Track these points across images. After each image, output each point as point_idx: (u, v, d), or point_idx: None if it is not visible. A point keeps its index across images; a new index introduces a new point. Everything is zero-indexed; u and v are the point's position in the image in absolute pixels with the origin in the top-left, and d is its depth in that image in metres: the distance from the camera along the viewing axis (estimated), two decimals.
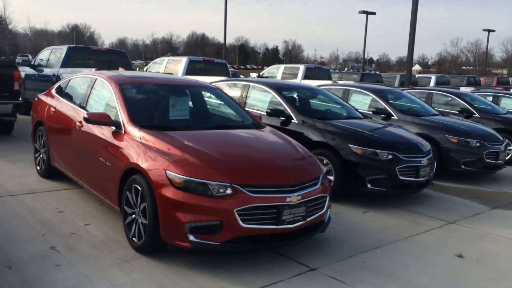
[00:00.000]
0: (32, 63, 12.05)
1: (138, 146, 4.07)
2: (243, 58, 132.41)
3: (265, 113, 6.75)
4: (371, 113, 8.59)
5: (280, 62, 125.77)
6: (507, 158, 9.68)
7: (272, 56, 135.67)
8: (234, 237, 3.63)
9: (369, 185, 5.87)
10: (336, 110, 7.52)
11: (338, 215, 5.63)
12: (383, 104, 8.67)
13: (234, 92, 7.56)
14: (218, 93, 5.63)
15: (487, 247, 4.89)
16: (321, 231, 4.34)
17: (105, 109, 4.83)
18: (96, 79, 5.24)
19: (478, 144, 7.81)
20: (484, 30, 50.74)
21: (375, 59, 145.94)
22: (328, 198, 4.29)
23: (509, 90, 16.00)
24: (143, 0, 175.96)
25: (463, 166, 7.73)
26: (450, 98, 10.87)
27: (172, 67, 13.21)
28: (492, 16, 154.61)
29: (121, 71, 5.53)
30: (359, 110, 8.38)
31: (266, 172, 3.91)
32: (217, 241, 3.61)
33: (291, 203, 3.80)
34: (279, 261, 4.11)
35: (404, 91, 10.96)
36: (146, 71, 14.36)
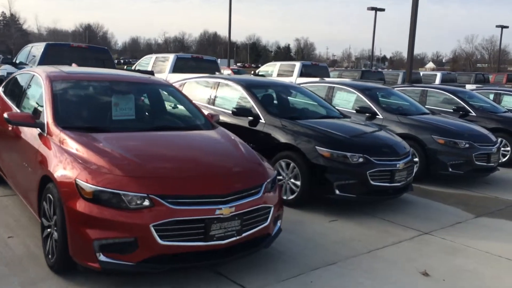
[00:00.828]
0: (14, 61, 11.75)
1: (57, 150, 3.64)
2: (255, 57, 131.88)
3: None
4: (355, 112, 8.08)
5: (292, 60, 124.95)
6: (504, 159, 9.11)
7: (284, 55, 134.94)
8: (151, 256, 3.19)
9: (337, 191, 5.37)
10: (312, 109, 7.02)
11: (301, 224, 5.16)
12: (368, 103, 8.14)
13: (204, 90, 7.12)
14: (171, 90, 5.18)
15: (460, 263, 4.37)
16: (265, 246, 3.87)
17: (36, 108, 4.42)
18: (33, 75, 4.84)
19: (467, 146, 7.25)
20: (497, 26, 49.57)
21: (388, 56, 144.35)
22: (273, 208, 3.82)
23: None
24: (155, 0, 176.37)
25: (450, 169, 7.18)
26: (446, 96, 10.28)
27: (160, 65, 12.81)
28: (508, 12, 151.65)
29: (62, 67, 5.10)
30: (340, 109, 7.90)
31: (194, 180, 3.45)
32: (131, 260, 3.17)
33: (221, 216, 3.35)
34: (211, 280, 3.65)
35: (395, 89, 10.42)
36: (135, 68, 14.00)
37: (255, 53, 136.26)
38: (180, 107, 5.00)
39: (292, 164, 5.63)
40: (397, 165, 5.60)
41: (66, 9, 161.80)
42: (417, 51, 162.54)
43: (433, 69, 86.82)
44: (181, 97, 5.13)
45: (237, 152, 4.06)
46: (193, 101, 6.96)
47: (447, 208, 6.21)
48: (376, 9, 42.36)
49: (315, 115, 6.68)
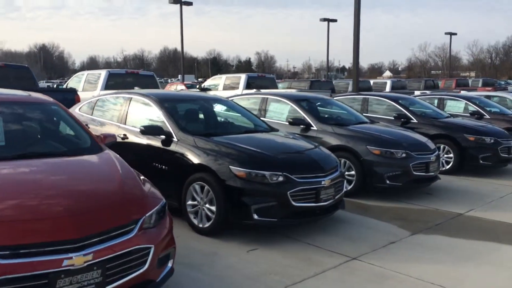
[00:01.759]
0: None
1: None
2: (216, 71, 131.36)
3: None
4: (288, 123, 7.55)
5: (253, 73, 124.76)
6: (447, 167, 8.78)
7: (245, 68, 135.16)
8: None
9: (255, 216, 4.75)
10: (235, 124, 6.43)
11: (214, 257, 4.50)
12: (302, 113, 7.63)
13: (116, 107, 6.40)
14: (54, 110, 4.45)
15: None
16: None
17: None
18: None
19: (403, 155, 6.81)
20: (446, 33, 51.03)
21: (347, 67, 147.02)
22: (155, 248, 3.14)
23: (460, 92, 15.29)
24: (114, 18, 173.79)
25: (388, 181, 6.71)
26: (387, 104, 9.93)
27: (92, 82, 11.99)
28: (457, 19, 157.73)
29: None
30: (273, 121, 7.38)
31: (40, 223, 2.75)
32: None
33: (72, 267, 2.65)
34: None
35: (336, 98, 10.02)
36: (67, 86, 13.10)
37: (216, 68, 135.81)
38: (64, 128, 4.28)
39: (206, 187, 4.99)
40: (322, 182, 5.05)
41: (17, 30, 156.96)
42: (374, 60, 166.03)
43: (389, 77, 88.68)
44: (66, 117, 4.41)
45: (112, 182, 3.38)
46: (103, 119, 6.28)
47: (382, 225, 5.70)
48: (328, 20, 42.77)
49: (236, 130, 6.09)
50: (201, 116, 6.29)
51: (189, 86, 30.00)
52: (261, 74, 16.76)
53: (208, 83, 16.62)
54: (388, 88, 22.18)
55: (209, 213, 4.98)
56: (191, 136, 5.34)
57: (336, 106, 8.69)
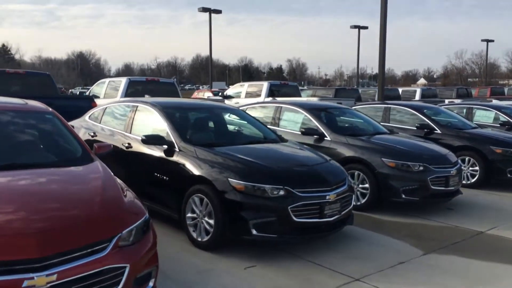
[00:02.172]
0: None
1: None
2: (247, 78, 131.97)
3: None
4: (300, 134, 7.31)
5: (285, 80, 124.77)
6: (472, 180, 8.32)
7: (276, 75, 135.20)
8: None
9: (254, 231, 4.54)
10: (242, 134, 6.24)
11: (209, 274, 4.31)
12: (315, 123, 7.37)
13: (122, 115, 6.33)
14: (48, 118, 4.38)
15: None
16: None
17: None
18: None
19: (421, 168, 6.44)
20: (482, 40, 49.52)
21: None
22: (130, 267, 2.97)
23: (491, 101, 14.62)
24: (149, 26, 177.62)
25: (403, 196, 6.36)
26: (410, 113, 9.53)
27: (113, 90, 12.08)
28: (495, 27, 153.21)
29: None
30: (287, 131, 7.21)
31: (3, 240, 2.62)
32: None
33: None
34: None
35: (355, 107, 9.73)
36: (89, 93, 13.27)
37: (247, 75, 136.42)
38: (54, 138, 4.20)
39: (205, 200, 4.81)
40: (327, 197, 4.78)
41: (57, 38, 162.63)
42: (408, 67, 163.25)
43: (423, 85, 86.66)
44: (60, 126, 4.32)
45: (90, 197, 3.23)
46: (110, 127, 6.22)
47: (393, 243, 5.37)
48: (359, 27, 42.20)
49: (242, 141, 5.90)
50: (207, 125, 6.13)
51: (216, 94, 30.13)
52: (284, 82, 16.52)
53: (230, 91, 16.53)
54: (418, 97, 21.52)
55: (208, 227, 4.80)
56: (192, 146, 5.18)
57: (354, 116, 8.38)
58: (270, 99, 12.05)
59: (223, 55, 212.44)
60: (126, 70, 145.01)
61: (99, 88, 12.83)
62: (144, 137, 5.34)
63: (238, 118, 6.58)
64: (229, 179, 4.65)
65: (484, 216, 6.59)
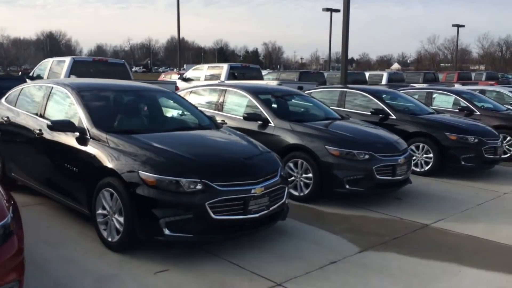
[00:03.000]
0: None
1: None
2: (222, 61, 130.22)
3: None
4: (242, 118, 6.81)
5: (260, 64, 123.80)
6: (427, 168, 8.02)
7: (252, 59, 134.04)
8: None
9: (167, 231, 4.02)
10: (172, 119, 5.70)
11: (110, 281, 3.79)
12: (260, 108, 6.87)
13: (35, 97, 5.70)
14: None
15: None
16: None
17: None
18: None
19: (366, 157, 6.02)
20: (453, 25, 49.68)
21: (355, 58, 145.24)
22: None
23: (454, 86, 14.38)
24: (123, 6, 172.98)
25: (347, 186, 5.95)
26: (365, 98, 9.11)
27: (56, 69, 11.29)
28: (469, 12, 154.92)
29: None
30: (229, 115, 6.69)
31: None
32: None
33: None
34: None
35: (311, 91, 9.27)
36: (33, 74, 12.42)
37: (222, 58, 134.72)
38: None
39: (115, 195, 4.26)
40: (252, 191, 4.28)
41: (27, 17, 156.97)
42: (383, 52, 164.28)
43: (397, 70, 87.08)
44: None
45: None
46: (23, 111, 5.58)
47: (329, 239, 4.95)
48: (331, 10, 41.70)
49: (168, 127, 5.35)
50: (130, 110, 5.53)
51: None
52: (245, 64, 15.90)
53: (190, 73, 15.82)
54: (384, 81, 21.26)
55: (118, 226, 4.26)
56: (104, 133, 4.60)
57: (303, 100, 7.92)
58: (218, 81, 11.50)
59: (198, 38, 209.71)
60: (98, 51, 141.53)
61: (41, 69, 12.00)
62: (50, 123, 4.73)
63: (171, 101, 6.01)
64: (139, 171, 4.11)
65: (433, 207, 6.25)
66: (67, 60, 11.08)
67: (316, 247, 4.68)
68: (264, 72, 17.94)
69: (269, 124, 6.66)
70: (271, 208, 4.50)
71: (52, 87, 5.45)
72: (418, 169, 8.16)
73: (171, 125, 5.48)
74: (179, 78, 15.87)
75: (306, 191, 6.16)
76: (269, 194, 4.44)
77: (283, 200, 4.76)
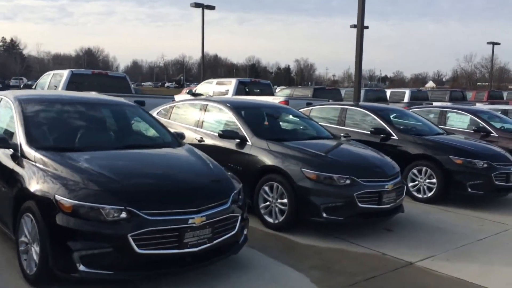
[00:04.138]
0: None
1: None
2: (254, 78, 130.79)
3: None
4: (218, 136, 6.26)
5: (292, 81, 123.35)
6: (429, 194, 7.25)
7: (283, 76, 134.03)
8: None
9: (81, 267, 3.48)
10: (123, 134, 5.20)
11: None
12: (238, 125, 6.31)
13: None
14: None
15: None
16: None
17: None
18: None
19: (347, 182, 5.34)
20: (488, 43, 47.97)
21: (389, 76, 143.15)
22: None
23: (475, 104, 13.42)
24: (160, 24, 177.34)
25: (324, 214, 5.26)
26: (368, 116, 8.42)
27: (56, 82, 11.12)
28: (508, 28, 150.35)
29: None
30: (205, 134, 6.18)
31: None
32: None
33: None
34: None
35: (311, 107, 8.70)
36: (35, 87, 12.35)
37: (254, 74, 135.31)
38: None
39: (33, 222, 3.76)
40: (190, 221, 3.70)
41: (69, 34, 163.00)
42: (418, 70, 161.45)
43: (432, 88, 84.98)
44: None
45: None
46: None
47: (292, 277, 4.29)
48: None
49: (114, 144, 4.83)
50: (76, 125, 4.99)
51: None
52: (255, 79, 15.37)
53: (200, 88, 15.43)
54: (407, 99, 20.33)
55: (35, 256, 3.75)
56: (34, 150, 4.13)
57: (294, 118, 7.31)
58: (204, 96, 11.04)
59: (231, 54, 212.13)
60: (133, 67, 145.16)
61: (43, 82, 11.87)
62: None
63: (135, 116, 5.53)
64: (55, 195, 3.60)
65: (426, 241, 5.49)
66: (65, 73, 10.87)
67: (271, 286, 4.04)
68: (278, 89, 17.37)
69: (247, 143, 6.08)
70: (215, 241, 3.89)
71: (2, 98, 5.07)
72: (420, 195, 7.39)
73: (120, 142, 4.95)
74: (187, 93, 15.50)
75: (281, 218, 5.53)
76: (212, 224, 3.84)
77: (234, 231, 4.14)
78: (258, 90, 14.38)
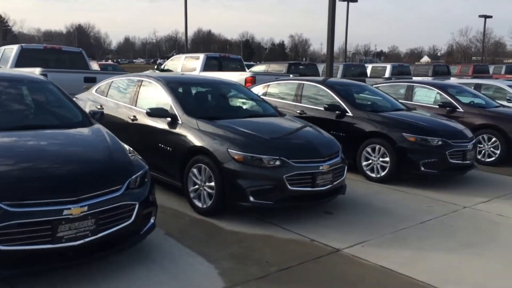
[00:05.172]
0: None
1: None
2: (248, 54, 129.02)
3: None
4: (146, 115, 5.82)
5: (286, 57, 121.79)
6: (382, 174, 6.88)
7: (278, 51, 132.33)
8: None
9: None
10: (28, 113, 4.75)
11: None
12: (170, 102, 5.86)
13: None
14: None
15: None
16: None
17: None
18: None
19: (277, 163, 4.93)
20: (480, 16, 47.21)
21: (385, 51, 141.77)
22: None
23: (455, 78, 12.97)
24: (153, 0, 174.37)
25: (251, 198, 4.87)
26: (322, 92, 7.98)
27: (6, 58, 10.59)
28: (505, 3, 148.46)
29: None
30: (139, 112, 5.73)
31: None
32: None
33: None
34: None
35: (258, 85, 8.22)
36: None
37: (248, 50, 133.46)
38: None
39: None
40: (65, 212, 3.31)
41: (59, 11, 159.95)
42: (414, 45, 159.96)
43: (427, 63, 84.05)
44: None
45: None
46: None
47: (200, 269, 3.92)
48: (348, 0, 40.02)
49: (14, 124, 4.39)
50: None
51: (103, 68, 27.75)
52: (224, 54, 14.80)
53: (169, 63, 14.86)
54: (388, 74, 19.85)
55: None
56: None
57: (239, 94, 6.86)
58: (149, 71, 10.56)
59: (225, 30, 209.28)
60: (126, 44, 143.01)
61: None
62: None
63: (46, 93, 5.07)
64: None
65: (364, 225, 5.14)
66: (15, 48, 10.33)
67: (172, 281, 3.68)
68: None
69: (177, 121, 5.65)
70: (100, 234, 3.49)
71: None
72: (373, 175, 7.02)
73: (19, 122, 4.49)
74: (156, 69, 14.96)
75: (209, 203, 5.14)
76: (96, 215, 3.44)
77: (130, 221, 3.74)
78: (227, 66, 13.88)
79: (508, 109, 9.16)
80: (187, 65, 13.90)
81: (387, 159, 6.84)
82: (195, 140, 5.33)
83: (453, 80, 12.28)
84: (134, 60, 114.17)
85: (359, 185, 6.79)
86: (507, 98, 10.28)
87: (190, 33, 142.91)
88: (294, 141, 5.36)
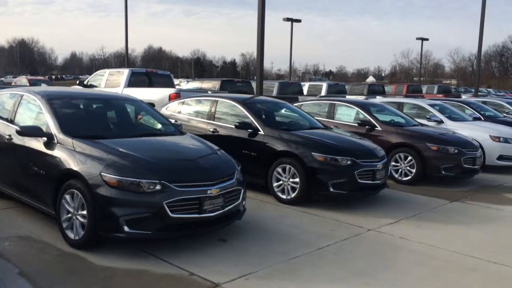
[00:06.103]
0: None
1: None
2: (199, 72, 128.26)
3: None
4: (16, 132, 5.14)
5: (237, 75, 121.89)
6: (292, 195, 6.48)
7: (229, 70, 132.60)
8: None
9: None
10: None
11: None
12: (47, 119, 5.21)
13: None
14: None
15: None
16: None
17: None
18: None
19: (158, 187, 4.39)
20: (417, 38, 49.15)
21: (333, 70, 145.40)
22: None
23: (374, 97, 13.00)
24: (102, 15, 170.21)
25: (126, 228, 4.29)
26: (236, 109, 7.56)
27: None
28: (444, 27, 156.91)
29: None
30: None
31: None
32: None
33: None
34: None
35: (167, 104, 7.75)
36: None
37: (200, 68, 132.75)
38: None
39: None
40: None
41: (3, 25, 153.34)
42: (360, 65, 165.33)
43: (372, 83, 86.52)
44: None
45: None
46: None
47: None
48: (292, 20, 40.62)
49: None
50: None
51: (33, 83, 27.07)
52: (152, 70, 14.18)
53: (92, 78, 14.04)
54: (324, 92, 19.91)
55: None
56: None
57: (135, 110, 6.30)
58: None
59: (177, 48, 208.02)
60: (72, 59, 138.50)
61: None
62: None
63: None
64: None
65: (255, 254, 4.68)
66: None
67: None
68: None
69: (53, 141, 5.00)
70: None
71: None
72: (284, 196, 6.63)
73: None
74: (78, 84, 14.13)
75: (82, 234, 4.50)
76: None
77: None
78: (154, 82, 13.34)
79: (424, 128, 9.11)
80: (111, 80, 13.18)
81: (297, 179, 6.48)
82: (68, 162, 4.70)
83: (378, 99, 12.26)
84: (80, 76, 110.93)
85: (267, 208, 6.38)
86: (427, 117, 10.29)
87: (141, 50, 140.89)
88: (180, 162, 4.82)
